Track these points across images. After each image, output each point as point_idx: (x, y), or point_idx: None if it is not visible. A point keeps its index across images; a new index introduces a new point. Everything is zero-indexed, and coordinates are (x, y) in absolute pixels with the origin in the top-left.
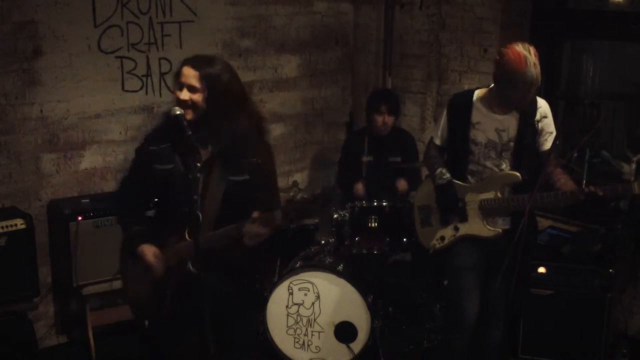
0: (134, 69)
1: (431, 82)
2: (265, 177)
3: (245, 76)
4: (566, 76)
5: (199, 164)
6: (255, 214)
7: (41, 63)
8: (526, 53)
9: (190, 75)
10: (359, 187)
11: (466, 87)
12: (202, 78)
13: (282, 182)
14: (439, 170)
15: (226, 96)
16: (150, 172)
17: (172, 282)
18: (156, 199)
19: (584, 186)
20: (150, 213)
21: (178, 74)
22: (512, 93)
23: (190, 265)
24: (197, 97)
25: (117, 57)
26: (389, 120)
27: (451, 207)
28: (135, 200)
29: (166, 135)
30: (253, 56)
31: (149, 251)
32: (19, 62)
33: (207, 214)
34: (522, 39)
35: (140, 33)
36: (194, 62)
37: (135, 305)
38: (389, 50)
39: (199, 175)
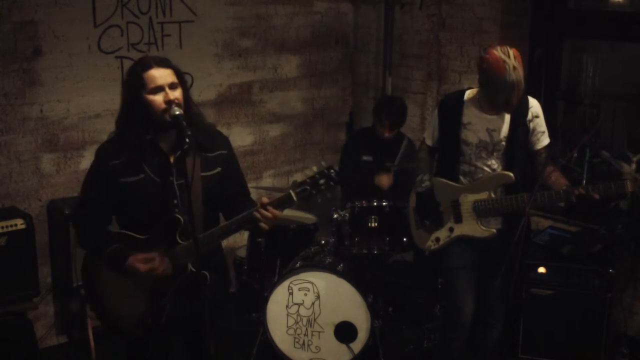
0: None
1: (431, 82)
2: (234, 166)
3: (245, 76)
4: (566, 76)
5: (172, 167)
6: (264, 199)
7: (41, 63)
8: (505, 57)
9: (166, 74)
10: (384, 179)
11: (466, 87)
12: (176, 74)
13: (282, 182)
14: (420, 177)
15: (189, 91)
16: (116, 188)
17: (171, 289)
18: (122, 213)
19: (583, 185)
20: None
21: (145, 80)
22: (495, 97)
23: (191, 266)
24: (179, 94)
25: (117, 57)
26: (391, 133)
27: (428, 215)
28: (100, 219)
29: (125, 146)
30: (253, 56)
31: (138, 261)
32: (19, 62)
33: (194, 214)
34: (522, 39)
35: (140, 33)
36: (159, 62)
37: (127, 321)
38: (389, 50)
39: (172, 178)
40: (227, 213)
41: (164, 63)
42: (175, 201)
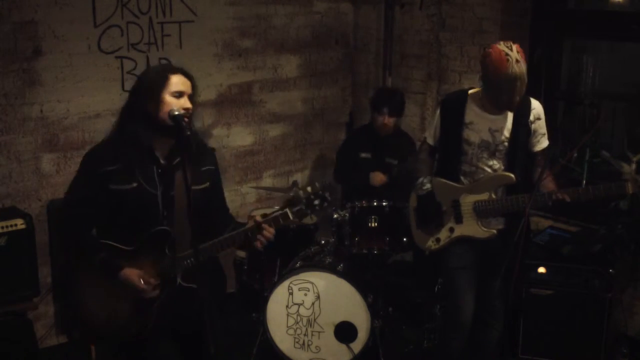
0: (134, 69)
1: (431, 82)
2: (219, 182)
3: (245, 76)
4: (566, 76)
5: (165, 178)
6: (258, 217)
7: (41, 63)
8: (507, 51)
9: (189, 85)
10: (377, 176)
11: (466, 87)
12: (193, 87)
13: (282, 182)
14: (420, 180)
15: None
16: (107, 193)
17: (158, 300)
18: (107, 222)
19: (583, 185)
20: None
21: (169, 80)
22: (498, 93)
23: (180, 280)
24: (191, 106)
25: (117, 57)
26: (390, 121)
27: (430, 218)
28: (87, 221)
29: (121, 152)
30: (253, 56)
31: (134, 275)
32: (19, 62)
33: (184, 227)
34: (522, 39)
35: (140, 33)
36: (185, 73)
37: (112, 326)
38: (389, 50)
39: (163, 189)
40: (207, 228)
41: (189, 76)
42: (166, 213)
